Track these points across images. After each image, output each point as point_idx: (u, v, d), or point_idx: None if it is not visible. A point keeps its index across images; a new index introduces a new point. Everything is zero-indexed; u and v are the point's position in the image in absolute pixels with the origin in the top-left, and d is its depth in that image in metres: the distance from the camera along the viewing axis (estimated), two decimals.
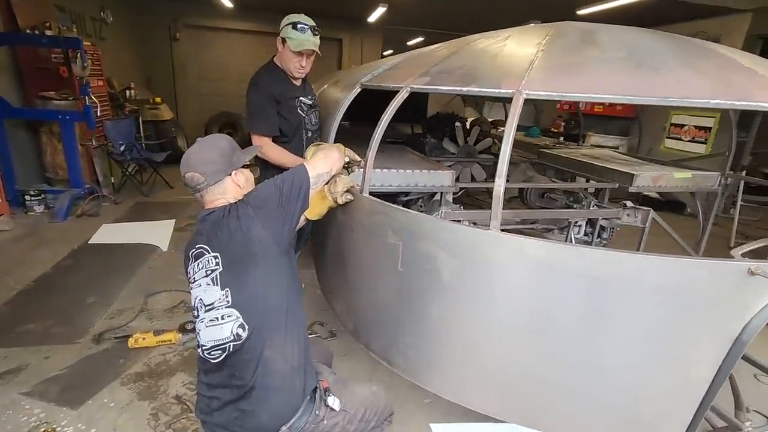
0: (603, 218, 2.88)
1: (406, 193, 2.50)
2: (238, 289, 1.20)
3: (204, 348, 1.26)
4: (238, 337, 1.20)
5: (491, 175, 3.84)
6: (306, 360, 1.31)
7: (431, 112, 6.16)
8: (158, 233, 3.95)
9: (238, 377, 1.22)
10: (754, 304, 1.23)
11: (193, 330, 2.44)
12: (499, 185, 1.31)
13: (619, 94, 1.27)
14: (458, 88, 1.52)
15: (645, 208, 2.70)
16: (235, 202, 1.28)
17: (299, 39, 2.14)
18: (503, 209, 1.35)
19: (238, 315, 1.20)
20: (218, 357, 1.23)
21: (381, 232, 1.65)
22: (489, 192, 4.20)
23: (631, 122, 7.00)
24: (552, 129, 7.91)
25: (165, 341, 2.36)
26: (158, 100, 6.58)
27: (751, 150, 5.75)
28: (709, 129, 6.15)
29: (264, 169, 2.35)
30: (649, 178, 2.67)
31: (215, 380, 1.26)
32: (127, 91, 6.20)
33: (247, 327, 1.20)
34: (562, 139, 5.62)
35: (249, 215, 1.23)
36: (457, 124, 3.73)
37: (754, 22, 5.46)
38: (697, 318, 1.30)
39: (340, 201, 1.72)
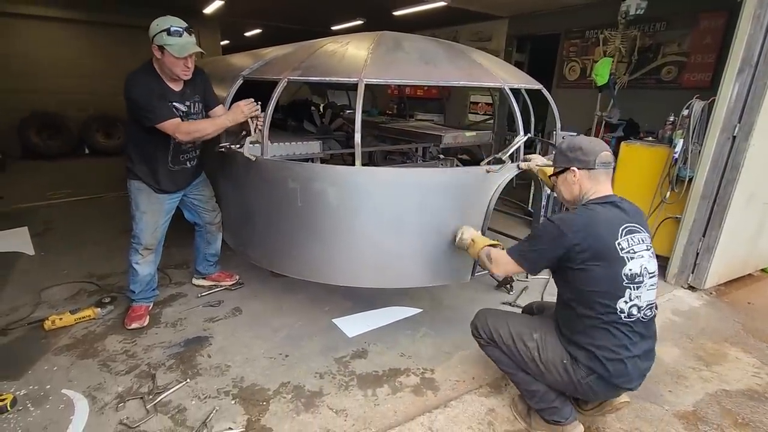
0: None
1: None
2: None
3: (641, 308, 1.57)
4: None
5: (346, 146, 4.74)
6: None
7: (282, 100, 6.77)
8: (13, 242, 3.70)
9: (653, 330, 1.65)
10: (493, 187, 2.36)
11: (110, 303, 2.71)
12: (358, 138, 2.15)
13: (416, 80, 2.24)
14: (324, 79, 2.29)
15: (450, 157, 3.95)
16: None
17: (179, 44, 2.16)
18: None
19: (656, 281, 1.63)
20: (651, 315, 1.60)
21: (282, 183, 2.33)
22: (346, 156, 5.10)
23: (444, 102, 8.83)
24: (387, 111, 9.46)
25: (84, 317, 2.57)
26: None
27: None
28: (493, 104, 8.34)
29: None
30: (451, 138, 3.90)
31: (644, 332, 1.60)
32: None
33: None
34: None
35: None
36: (313, 108, 4.48)
37: (511, 26, 7.58)
38: (469, 199, 2.37)
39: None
